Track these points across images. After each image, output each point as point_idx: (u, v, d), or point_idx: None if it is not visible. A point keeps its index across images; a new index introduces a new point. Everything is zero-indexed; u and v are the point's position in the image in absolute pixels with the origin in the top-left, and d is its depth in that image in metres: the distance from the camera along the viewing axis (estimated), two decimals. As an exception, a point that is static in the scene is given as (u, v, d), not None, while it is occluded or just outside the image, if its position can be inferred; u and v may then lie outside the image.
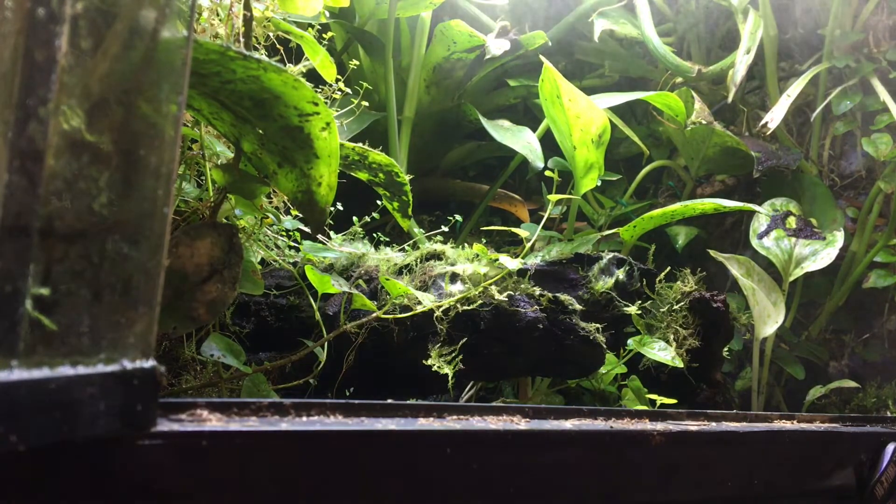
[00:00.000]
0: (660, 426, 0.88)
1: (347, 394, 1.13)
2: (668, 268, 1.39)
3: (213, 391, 0.98)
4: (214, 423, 0.61)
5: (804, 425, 1.07)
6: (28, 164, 0.45)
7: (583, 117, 1.34)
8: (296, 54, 1.16)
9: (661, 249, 1.58)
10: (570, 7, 1.93)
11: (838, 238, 1.60)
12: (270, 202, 1.11)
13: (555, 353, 1.14)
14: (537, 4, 1.93)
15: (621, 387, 1.29)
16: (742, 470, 0.95)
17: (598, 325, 1.17)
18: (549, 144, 1.52)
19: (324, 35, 1.22)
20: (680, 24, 1.99)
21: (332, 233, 1.22)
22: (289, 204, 1.11)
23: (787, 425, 1.05)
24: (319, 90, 1.11)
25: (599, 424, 0.85)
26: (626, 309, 1.26)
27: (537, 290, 1.16)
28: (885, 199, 1.77)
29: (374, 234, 1.29)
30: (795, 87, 1.72)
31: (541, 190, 1.75)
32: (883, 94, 1.71)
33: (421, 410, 0.76)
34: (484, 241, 1.29)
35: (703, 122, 1.68)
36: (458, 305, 1.10)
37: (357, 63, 1.28)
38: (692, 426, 0.93)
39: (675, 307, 1.34)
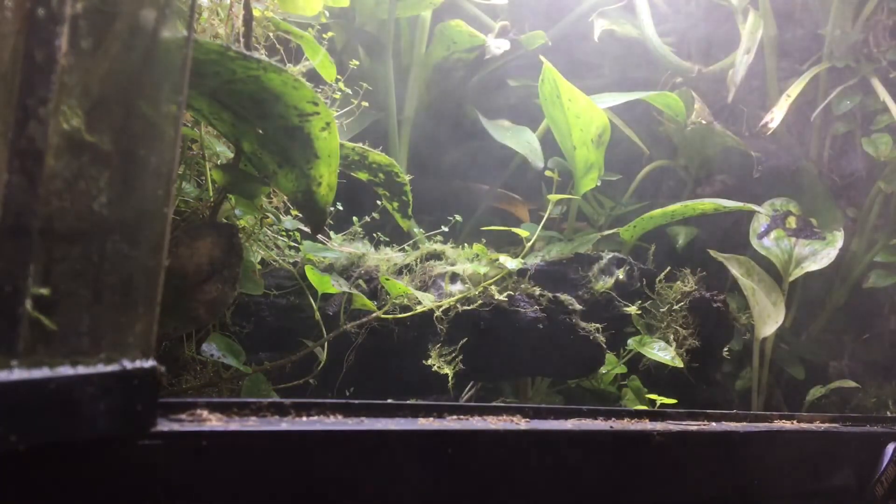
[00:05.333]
0: (660, 426, 0.88)
1: (347, 394, 1.12)
2: (668, 268, 1.39)
3: (213, 391, 0.98)
4: (214, 423, 0.61)
5: (804, 425, 1.07)
6: (28, 164, 0.45)
7: (583, 117, 1.33)
8: (296, 54, 1.16)
9: (662, 249, 1.58)
10: (570, 7, 1.92)
11: (838, 238, 1.60)
12: (270, 202, 1.11)
13: (555, 353, 1.14)
14: (537, 4, 1.93)
15: (621, 387, 1.29)
16: (742, 470, 0.95)
17: (598, 325, 1.17)
18: (550, 144, 1.52)
19: (324, 35, 1.22)
20: (680, 24, 1.99)
21: (332, 233, 1.22)
22: (289, 204, 1.11)
23: (787, 425, 1.05)
24: (319, 90, 1.10)
25: (600, 424, 0.85)
26: (625, 309, 1.26)
27: (537, 290, 1.16)
28: (885, 199, 1.77)
29: (375, 234, 1.29)
30: (795, 87, 1.72)
31: (541, 190, 1.75)
32: (883, 94, 1.71)
33: (421, 410, 0.76)
34: (484, 241, 1.29)
35: (703, 122, 1.68)
36: (458, 305, 1.10)
37: (357, 63, 1.28)
38: (692, 426, 0.93)
39: (675, 307, 1.34)
